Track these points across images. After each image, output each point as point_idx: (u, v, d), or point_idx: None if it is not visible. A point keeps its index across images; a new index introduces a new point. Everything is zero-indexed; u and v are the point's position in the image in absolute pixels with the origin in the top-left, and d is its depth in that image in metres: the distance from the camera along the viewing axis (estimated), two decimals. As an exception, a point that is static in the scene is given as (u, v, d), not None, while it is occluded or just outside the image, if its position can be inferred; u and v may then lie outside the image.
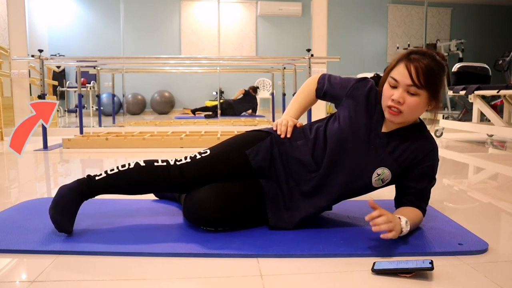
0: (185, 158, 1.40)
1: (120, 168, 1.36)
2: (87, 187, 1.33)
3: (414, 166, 1.34)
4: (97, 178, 1.35)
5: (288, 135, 1.43)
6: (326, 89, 1.48)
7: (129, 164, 1.37)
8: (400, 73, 1.26)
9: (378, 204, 1.11)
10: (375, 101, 1.37)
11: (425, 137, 1.36)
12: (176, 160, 1.40)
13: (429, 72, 1.23)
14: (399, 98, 1.25)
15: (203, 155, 1.41)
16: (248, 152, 1.40)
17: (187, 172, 1.37)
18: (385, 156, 1.33)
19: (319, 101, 1.58)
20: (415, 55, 1.26)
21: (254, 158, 1.40)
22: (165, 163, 1.38)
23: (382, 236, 1.15)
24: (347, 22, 8.26)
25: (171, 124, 5.42)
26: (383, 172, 1.33)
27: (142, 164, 1.38)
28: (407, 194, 1.36)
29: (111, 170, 1.36)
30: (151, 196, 1.83)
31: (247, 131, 1.51)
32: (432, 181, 1.37)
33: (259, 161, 1.40)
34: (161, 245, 1.25)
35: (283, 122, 1.46)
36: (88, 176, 1.36)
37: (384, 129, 1.36)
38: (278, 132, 1.44)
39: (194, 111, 7.15)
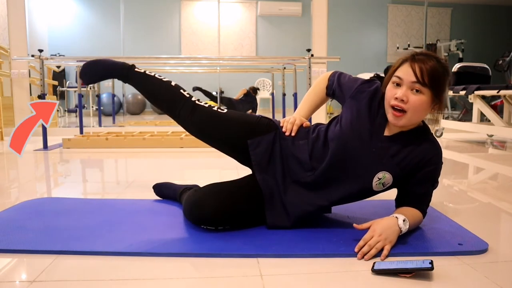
0: (205, 103, 1.51)
1: (156, 76, 1.57)
2: (125, 71, 1.59)
3: (418, 170, 1.32)
4: (136, 69, 1.60)
5: (293, 134, 1.43)
6: (334, 88, 1.48)
7: (164, 77, 1.58)
8: (405, 71, 1.25)
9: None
10: (378, 104, 1.35)
11: (429, 140, 1.33)
12: (198, 100, 1.52)
13: (434, 72, 1.22)
14: (402, 96, 1.23)
15: (219, 110, 1.50)
16: (250, 142, 1.42)
17: (196, 113, 1.47)
18: (387, 160, 1.31)
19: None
20: (420, 56, 1.25)
21: (254, 150, 1.41)
22: (187, 95, 1.52)
23: (380, 258, 1.16)
24: (347, 22, 8.25)
25: (171, 124, 5.41)
26: (384, 176, 1.32)
27: (173, 84, 1.56)
28: (409, 197, 1.35)
29: (149, 72, 1.59)
30: (151, 196, 1.83)
31: (262, 116, 1.51)
32: (434, 184, 1.36)
33: (258, 153, 1.41)
34: (161, 245, 1.25)
35: (290, 120, 1.47)
36: (133, 65, 1.61)
37: (386, 133, 1.34)
38: (284, 130, 1.45)
39: (195, 88, 7.07)
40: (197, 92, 7.05)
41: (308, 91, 1.56)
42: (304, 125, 1.47)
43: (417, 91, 1.23)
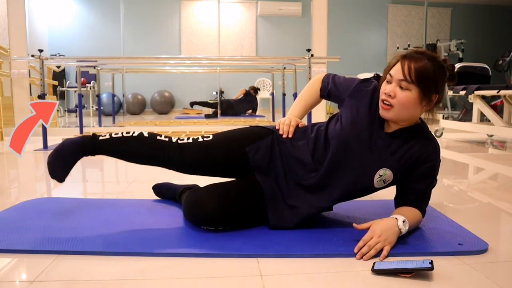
0: (188, 138, 1.43)
1: (124, 134, 1.41)
2: (89, 145, 1.40)
3: (416, 167, 1.34)
4: (101, 138, 1.41)
5: (290, 135, 1.44)
6: (330, 88, 1.49)
7: (133, 132, 1.42)
8: (396, 69, 1.29)
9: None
10: (377, 102, 1.37)
11: (427, 137, 1.36)
12: (178, 139, 1.43)
13: (422, 69, 1.24)
14: (390, 92, 1.28)
15: (205, 139, 1.43)
16: (248, 149, 1.41)
17: (186, 153, 1.39)
18: (387, 157, 1.33)
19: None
20: (414, 54, 1.28)
21: (253, 156, 1.40)
22: (167, 139, 1.42)
23: (379, 258, 1.16)
24: (347, 22, 8.25)
25: (171, 124, 5.42)
26: (385, 173, 1.33)
27: (146, 135, 1.42)
28: (408, 195, 1.36)
29: (115, 134, 1.41)
30: (151, 196, 1.83)
31: (250, 126, 1.52)
32: (433, 181, 1.37)
33: (258, 159, 1.40)
34: (161, 245, 1.25)
35: (286, 122, 1.47)
36: (93, 134, 1.42)
37: (386, 130, 1.36)
38: (280, 132, 1.45)
39: (192, 104, 7.10)
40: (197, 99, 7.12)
41: (301, 92, 1.56)
42: (300, 125, 1.48)
43: (404, 88, 1.27)
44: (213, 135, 1.46)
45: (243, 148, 1.41)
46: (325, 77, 1.52)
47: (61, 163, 1.38)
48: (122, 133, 1.42)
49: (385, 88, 1.30)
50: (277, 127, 1.48)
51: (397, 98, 1.27)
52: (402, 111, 1.29)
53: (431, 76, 1.26)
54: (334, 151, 1.35)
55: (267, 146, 1.42)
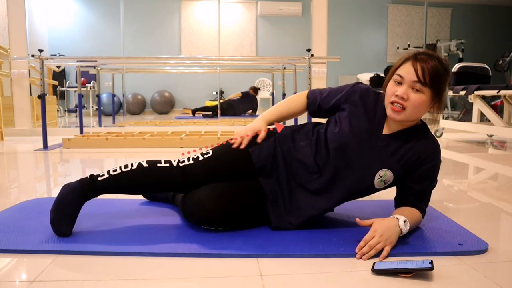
0: (188, 159, 1.40)
1: (123, 169, 1.35)
2: (89, 188, 1.33)
3: (416, 167, 1.34)
4: (99, 178, 1.34)
5: (242, 147, 1.40)
6: (320, 102, 1.46)
7: (131, 165, 1.36)
8: (406, 70, 1.27)
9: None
10: (374, 104, 1.37)
11: (427, 138, 1.36)
12: (179, 161, 1.39)
13: (435, 72, 1.24)
14: (403, 94, 1.26)
15: (205, 156, 1.40)
16: (251, 150, 1.41)
17: (190, 174, 1.37)
18: (387, 157, 1.33)
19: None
20: (422, 55, 1.28)
21: (257, 157, 1.40)
22: (168, 164, 1.37)
23: (379, 258, 1.16)
24: (347, 22, 8.25)
25: (171, 124, 5.42)
26: (385, 173, 1.33)
27: (145, 165, 1.37)
28: (408, 195, 1.36)
29: (113, 171, 1.35)
30: (151, 196, 1.82)
31: None
32: (433, 182, 1.37)
33: (261, 159, 1.40)
34: (161, 245, 1.25)
35: (241, 133, 1.43)
36: (91, 176, 1.35)
37: (385, 131, 1.36)
38: (232, 142, 1.42)
39: (194, 111, 7.15)
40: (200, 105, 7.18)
41: (282, 101, 1.52)
42: (262, 132, 1.44)
43: (417, 90, 1.26)
44: (212, 149, 1.43)
45: (246, 150, 1.41)
46: (309, 93, 1.49)
47: (65, 217, 1.30)
48: (120, 168, 1.36)
49: (395, 89, 1.28)
50: (232, 138, 1.44)
51: (410, 101, 1.26)
52: (414, 113, 1.28)
53: (442, 79, 1.26)
54: (334, 155, 1.35)
55: (270, 147, 1.41)
